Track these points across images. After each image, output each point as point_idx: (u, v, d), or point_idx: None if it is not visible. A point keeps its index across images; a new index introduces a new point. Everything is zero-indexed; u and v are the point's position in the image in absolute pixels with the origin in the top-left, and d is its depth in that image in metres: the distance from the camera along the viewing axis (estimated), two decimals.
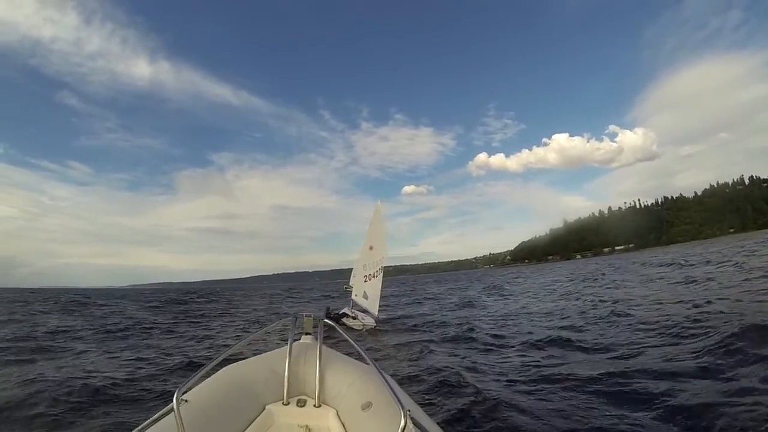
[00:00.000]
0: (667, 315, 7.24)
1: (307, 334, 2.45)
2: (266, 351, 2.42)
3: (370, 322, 10.26)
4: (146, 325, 11.67)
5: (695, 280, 12.43)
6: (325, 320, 2.42)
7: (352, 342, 2.18)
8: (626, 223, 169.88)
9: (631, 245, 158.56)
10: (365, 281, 10.84)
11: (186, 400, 1.66)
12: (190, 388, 1.77)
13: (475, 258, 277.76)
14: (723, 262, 17.79)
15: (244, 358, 2.32)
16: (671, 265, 22.08)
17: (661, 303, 9.07)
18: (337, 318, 11.05)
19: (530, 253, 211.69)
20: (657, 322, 6.83)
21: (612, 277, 20.80)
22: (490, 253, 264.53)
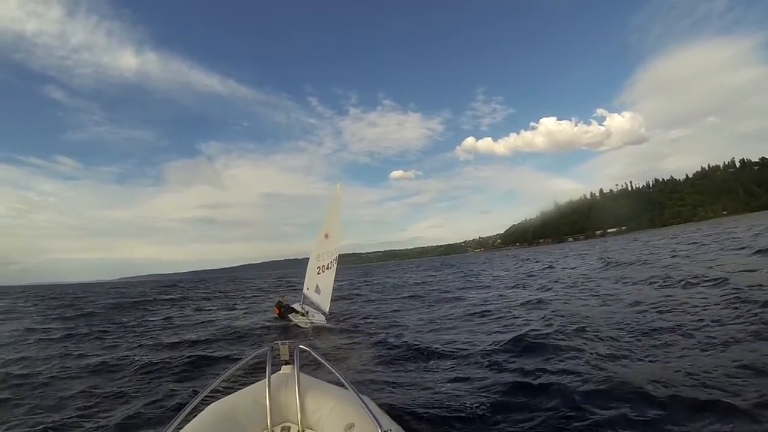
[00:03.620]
0: None
1: (286, 363, 2.44)
2: (248, 383, 2.43)
3: (320, 320, 9.10)
4: None
5: None
6: (301, 346, 2.37)
7: (330, 367, 2.19)
8: (618, 206, 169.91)
9: (623, 228, 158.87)
10: (318, 273, 9.60)
11: None
12: (177, 430, 1.73)
13: (464, 242, 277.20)
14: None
15: (224, 394, 2.32)
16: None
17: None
18: (287, 312, 9.90)
19: (521, 237, 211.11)
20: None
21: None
22: (479, 237, 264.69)
